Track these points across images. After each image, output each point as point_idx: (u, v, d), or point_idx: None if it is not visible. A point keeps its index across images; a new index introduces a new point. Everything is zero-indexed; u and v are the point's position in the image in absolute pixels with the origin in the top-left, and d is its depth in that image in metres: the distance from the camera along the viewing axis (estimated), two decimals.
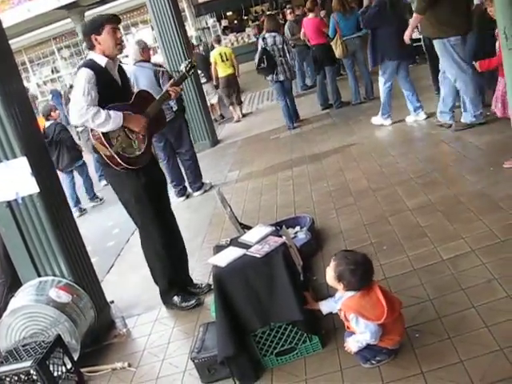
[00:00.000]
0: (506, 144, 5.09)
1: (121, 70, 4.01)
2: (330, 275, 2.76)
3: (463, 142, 5.70)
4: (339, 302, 2.81)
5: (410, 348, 2.81)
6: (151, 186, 3.96)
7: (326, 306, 3.00)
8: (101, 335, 4.00)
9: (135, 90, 6.22)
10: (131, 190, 3.89)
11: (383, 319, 2.63)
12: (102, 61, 3.75)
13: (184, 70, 4.21)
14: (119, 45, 3.81)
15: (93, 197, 8.28)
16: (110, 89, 3.78)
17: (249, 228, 3.52)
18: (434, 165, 5.32)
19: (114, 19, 3.81)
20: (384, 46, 6.89)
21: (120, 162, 3.70)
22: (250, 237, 3.16)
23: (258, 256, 2.90)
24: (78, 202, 8.10)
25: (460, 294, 3.11)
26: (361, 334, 2.71)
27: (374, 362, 2.78)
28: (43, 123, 7.90)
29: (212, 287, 4.06)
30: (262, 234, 3.13)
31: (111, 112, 3.64)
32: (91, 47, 3.79)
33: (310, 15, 9.99)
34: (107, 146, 3.66)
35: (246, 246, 3.05)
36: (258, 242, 3.05)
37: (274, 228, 3.20)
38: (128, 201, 3.96)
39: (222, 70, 11.43)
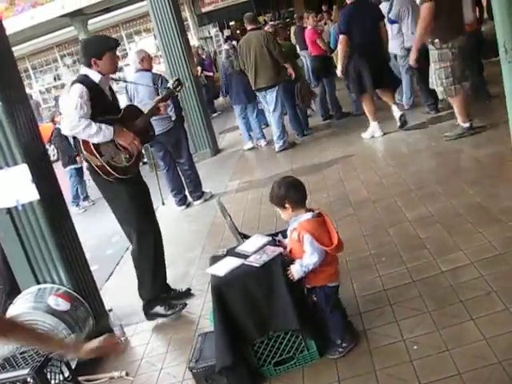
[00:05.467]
0: (505, 156, 5.10)
1: (110, 87, 4.20)
2: (277, 209, 3.01)
3: (463, 153, 5.72)
4: (294, 222, 2.95)
5: (407, 360, 2.80)
6: (140, 194, 4.14)
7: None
8: None
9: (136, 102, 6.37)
10: (124, 196, 3.99)
11: (333, 246, 2.84)
12: (95, 77, 3.92)
13: (171, 87, 4.53)
14: (116, 67, 4.05)
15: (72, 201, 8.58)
16: (102, 104, 3.92)
17: (248, 238, 3.51)
18: (434, 176, 5.33)
19: (115, 47, 3.99)
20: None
21: (110, 171, 3.83)
22: (247, 247, 3.16)
23: (256, 265, 2.90)
24: (76, 197, 8.53)
25: (459, 306, 3.11)
26: (309, 256, 2.84)
27: (341, 349, 2.95)
28: (50, 129, 8.77)
29: (191, 292, 4.30)
30: (259, 243, 3.13)
31: (103, 125, 3.80)
32: (88, 65, 3.93)
33: (308, 26, 10.06)
34: (97, 156, 3.81)
35: (244, 256, 3.05)
36: (255, 252, 3.05)
37: (270, 238, 3.20)
38: (121, 207, 4.05)
39: None
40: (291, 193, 2.94)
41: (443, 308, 3.14)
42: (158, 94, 6.22)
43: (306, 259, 2.85)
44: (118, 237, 6.54)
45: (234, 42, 12.68)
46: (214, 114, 14.19)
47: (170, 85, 4.54)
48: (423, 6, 5.75)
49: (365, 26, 6.86)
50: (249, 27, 8.31)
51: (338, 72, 7.47)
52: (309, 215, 2.94)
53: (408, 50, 7.03)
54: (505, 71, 4.05)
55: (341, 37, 7.17)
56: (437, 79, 5.97)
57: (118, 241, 6.44)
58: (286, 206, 2.93)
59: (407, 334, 2.98)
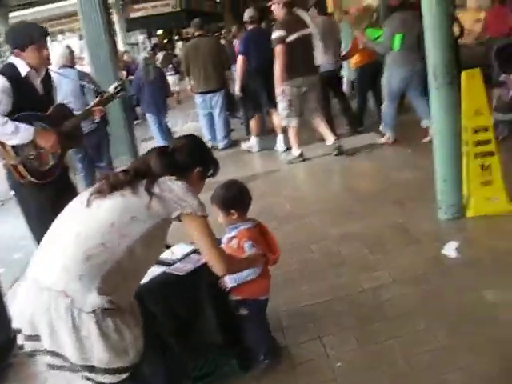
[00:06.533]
0: (426, 179, 5.24)
1: (46, 79, 3.84)
2: (220, 214, 2.82)
3: (385, 175, 5.84)
4: (233, 230, 2.83)
5: (331, 377, 2.75)
6: (57, 199, 3.58)
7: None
8: (1, 353, 3.67)
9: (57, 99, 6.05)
10: (34, 202, 3.70)
11: (277, 255, 2.84)
12: (23, 69, 3.60)
13: (112, 91, 4.25)
14: (46, 61, 3.71)
15: None
16: (28, 98, 3.61)
17: (168, 247, 3.36)
18: (357, 195, 5.40)
19: (40, 39, 3.62)
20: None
21: (24, 173, 3.54)
22: (171, 254, 3.01)
23: (180, 274, 2.76)
24: None
25: (381, 324, 3.11)
26: None
27: (263, 365, 2.85)
28: None
29: None
30: (184, 251, 2.99)
31: (21, 125, 3.46)
32: (14, 55, 3.63)
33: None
34: (13, 154, 3.50)
35: (167, 264, 2.90)
36: (179, 260, 2.91)
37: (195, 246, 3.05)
38: (29, 214, 3.76)
39: None
40: (241, 199, 2.84)
41: (366, 325, 3.12)
42: (83, 93, 5.98)
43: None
44: (27, 240, 6.18)
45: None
46: (136, 121, 13.86)
47: (111, 89, 4.26)
48: (276, 48, 6.51)
49: (262, 49, 7.21)
50: (196, 33, 8.62)
51: (236, 90, 7.97)
52: (249, 224, 2.85)
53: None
54: (433, 96, 4.16)
55: (240, 57, 7.64)
56: (279, 110, 6.91)
57: (26, 244, 6.06)
58: (232, 211, 2.79)
59: (331, 351, 2.94)
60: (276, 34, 6.52)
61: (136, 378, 2.13)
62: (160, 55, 17.47)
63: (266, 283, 2.89)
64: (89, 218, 2.07)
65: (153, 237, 2.09)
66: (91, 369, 1.98)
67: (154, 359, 2.36)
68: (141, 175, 2.15)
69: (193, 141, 2.51)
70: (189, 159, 2.34)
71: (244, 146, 8.10)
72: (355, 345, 2.96)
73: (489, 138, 4.25)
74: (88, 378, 2.04)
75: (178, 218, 2.14)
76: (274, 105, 7.38)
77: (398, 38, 6.43)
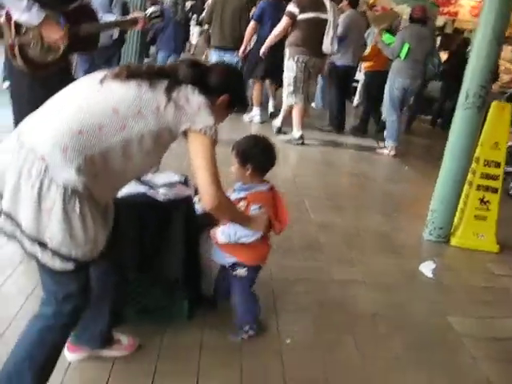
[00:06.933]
0: (419, 196, 5.17)
1: None
2: (235, 164, 2.55)
3: (381, 183, 5.78)
4: (243, 192, 2.57)
5: (277, 350, 2.61)
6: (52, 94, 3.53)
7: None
8: None
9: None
10: (27, 89, 3.37)
11: (283, 224, 2.65)
12: None
13: (148, 15, 3.96)
14: None
15: None
16: None
17: None
18: (347, 193, 5.32)
19: None
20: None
21: (17, 56, 3.25)
22: (156, 178, 2.82)
23: (159, 199, 2.58)
24: None
25: (341, 316, 3.00)
26: None
27: (245, 335, 2.66)
28: None
29: None
30: (170, 179, 2.81)
31: (36, 7, 3.14)
32: None
33: None
34: (13, 32, 3.21)
35: (150, 186, 2.71)
36: (162, 186, 2.72)
37: (183, 178, 2.86)
38: (18, 99, 3.44)
39: None
40: (262, 157, 2.55)
41: (326, 314, 3.01)
42: (110, 5, 5.75)
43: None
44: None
45: None
46: (146, 59, 13.54)
47: (148, 11, 4.02)
48: (283, 18, 6.70)
49: (276, 22, 7.11)
50: None
51: (240, 52, 7.81)
52: (263, 187, 2.61)
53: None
54: (458, 116, 4.03)
55: (252, 22, 7.58)
56: (284, 85, 6.93)
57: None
58: (247, 166, 2.52)
59: (283, 327, 2.80)
60: (289, 7, 6.65)
61: (80, 277, 1.95)
62: (189, 3, 17.10)
63: (266, 250, 2.72)
64: (96, 96, 1.90)
65: (151, 142, 1.91)
66: (40, 245, 1.81)
67: (105, 270, 2.20)
68: (164, 75, 1.97)
69: (232, 69, 2.39)
70: (221, 82, 2.14)
71: (246, 117, 7.89)
72: (310, 329, 2.84)
73: (498, 174, 4.16)
74: (34, 257, 1.84)
75: (185, 134, 1.96)
76: (269, 77, 7.57)
77: (405, 48, 6.62)
